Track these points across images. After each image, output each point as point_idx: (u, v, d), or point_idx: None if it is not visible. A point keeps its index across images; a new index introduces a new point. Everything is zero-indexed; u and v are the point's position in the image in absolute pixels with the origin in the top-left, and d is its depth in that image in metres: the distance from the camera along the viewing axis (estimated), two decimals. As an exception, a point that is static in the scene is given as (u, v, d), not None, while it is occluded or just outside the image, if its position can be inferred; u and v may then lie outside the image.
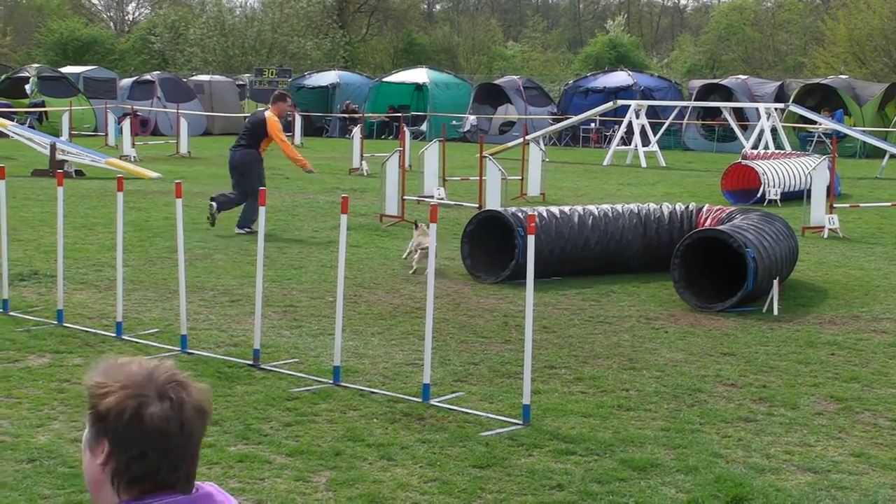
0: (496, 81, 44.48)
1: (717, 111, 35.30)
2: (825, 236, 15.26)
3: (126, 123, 28.79)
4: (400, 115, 37.39)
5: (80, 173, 21.96)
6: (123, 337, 8.40)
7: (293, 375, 7.44)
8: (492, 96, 42.67)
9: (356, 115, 38.45)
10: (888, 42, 51.89)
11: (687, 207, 12.51)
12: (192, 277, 10.66)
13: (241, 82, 47.57)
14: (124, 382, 2.04)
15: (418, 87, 44.05)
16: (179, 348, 8.04)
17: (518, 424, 6.44)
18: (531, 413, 6.54)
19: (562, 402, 6.95)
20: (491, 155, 18.74)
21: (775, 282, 10.08)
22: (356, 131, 26.15)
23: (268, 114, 15.08)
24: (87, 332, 8.60)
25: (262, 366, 7.62)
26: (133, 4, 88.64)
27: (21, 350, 7.98)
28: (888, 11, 52.07)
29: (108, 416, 2.03)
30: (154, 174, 21.78)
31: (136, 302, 9.76)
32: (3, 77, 40.15)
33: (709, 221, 11.97)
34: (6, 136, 25.26)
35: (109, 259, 11.47)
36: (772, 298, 9.99)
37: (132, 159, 25.92)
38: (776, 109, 31.00)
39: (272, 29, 61.60)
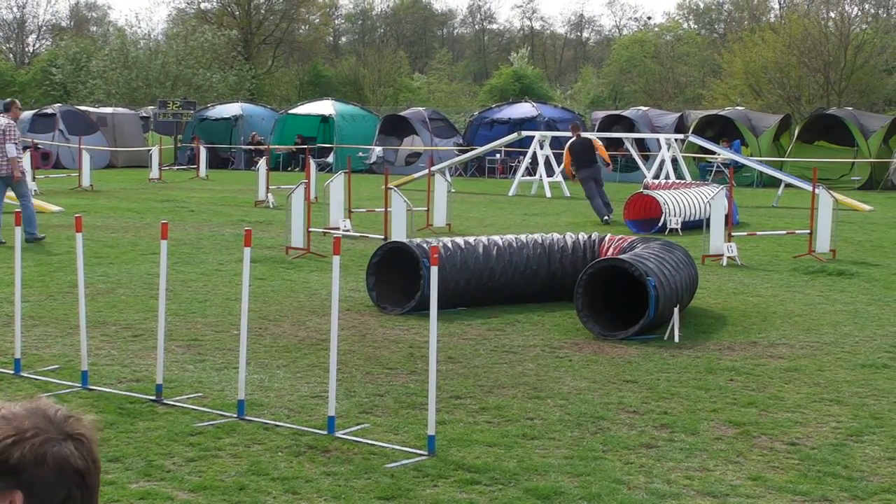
0: (402, 113, 44.63)
1: (620, 142, 35.87)
2: (724, 264, 15.59)
3: (26, 157, 28.26)
4: (306, 146, 37.32)
5: (-23, 207, 21.49)
6: (22, 374, 8.24)
7: (197, 410, 7.37)
8: (398, 128, 42.81)
9: (262, 147, 38.27)
10: (782, 75, 53.32)
11: (590, 237, 12.68)
12: (94, 312, 10.51)
13: (144, 115, 47.05)
14: (28, 428, 1.95)
15: (324, 119, 44.04)
16: (80, 384, 7.92)
17: (423, 455, 6.47)
18: (436, 444, 6.57)
19: (467, 433, 6.99)
20: (396, 186, 18.80)
21: (676, 309, 10.27)
22: (262, 163, 26.02)
23: (591, 136, 24.32)
24: (-16, 369, 8.42)
25: (165, 401, 7.54)
26: (34, 36, 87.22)
27: (-85, 389, 7.78)
28: (781, 45, 53.55)
29: (24, 467, 1.92)
30: (55, 208, 21.45)
31: (36, 338, 9.59)
32: None
33: (611, 251, 12.16)
34: None
35: (8, 294, 11.25)
36: (673, 326, 10.18)
37: (33, 193, 25.44)
38: (676, 140, 31.65)
39: (176, 61, 61.06)
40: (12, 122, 16.27)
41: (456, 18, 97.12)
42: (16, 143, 16.10)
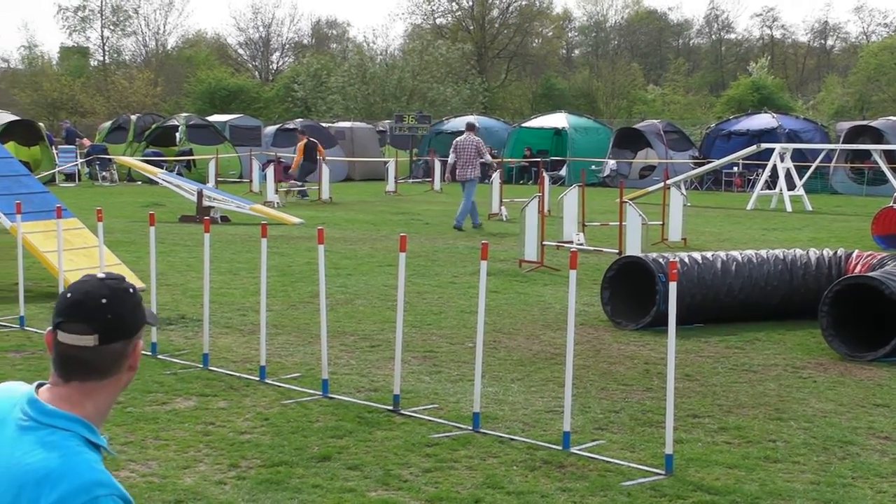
0: (636, 125, 44.18)
1: (867, 154, 34.34)
2: (983, 283, 14.62)
3: (270, 170, 29.44)
4: (539, 160, 37.43)
5: (225, 219, 22.52)
6: (267, 381, 8.52)
7: (433, 421, 7.43)
8: (632, 140, 42.38)
9: (495, 160, 38.58)
10: None
11: (835, 253, 12.15)
12: (333, 322, 10.78)
13: (381, 129, 48.25)
14: None
15: (557, 132, 44.04)
16: (321, 393, 8.12)
17: (660, 474, 6.31)
18: (674, 463, 6.39)
19: (706, 453, 6.78)
20: (631, 200, 18.56)
21: (930, 330, 9.68)
22: (495, 176, 26.22)
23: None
24: (231, 375, 8.76)
25: (402, 411, 7.64)
26: (277, 54, 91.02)
27: (168, 393, 8.16)
28: None
29: None
30: (296, 220, 22.19)
31: (279, 346, 9.91)
32: (153, 126, 41.53)
33: (859, 268, 11.60)
34: (156, 183, 26.12)
35: (253, 303, 11.69)
36: (927, 348, 9.60)
37: (276, 205, 26.48)
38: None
39: (412, 76, 62.45)
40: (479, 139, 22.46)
41: (692, 29, 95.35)
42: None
